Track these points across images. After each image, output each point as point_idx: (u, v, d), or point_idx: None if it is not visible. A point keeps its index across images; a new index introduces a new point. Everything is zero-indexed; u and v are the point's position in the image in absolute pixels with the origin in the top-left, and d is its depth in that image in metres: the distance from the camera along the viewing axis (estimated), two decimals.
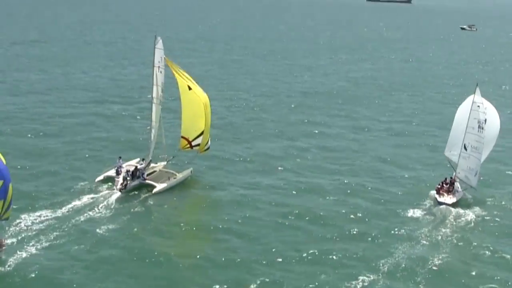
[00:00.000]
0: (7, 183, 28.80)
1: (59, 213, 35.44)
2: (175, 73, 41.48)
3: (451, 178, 41.32)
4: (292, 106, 67.50)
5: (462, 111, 41.10)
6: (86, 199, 37.69)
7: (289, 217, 37.13)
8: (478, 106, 38.92)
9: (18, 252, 30.51)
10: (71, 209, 36.02)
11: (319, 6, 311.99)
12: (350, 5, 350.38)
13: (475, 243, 34.75)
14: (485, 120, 39.13)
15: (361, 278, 29.95)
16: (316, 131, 56.99)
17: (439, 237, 35.17)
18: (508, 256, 33.38)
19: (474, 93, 39.30)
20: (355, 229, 35.60)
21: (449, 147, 42.55)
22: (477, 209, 39.64)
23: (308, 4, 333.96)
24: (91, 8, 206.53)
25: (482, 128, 39.17)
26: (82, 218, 34.94)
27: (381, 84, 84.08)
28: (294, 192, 41.29)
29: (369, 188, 42.55)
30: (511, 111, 68.00)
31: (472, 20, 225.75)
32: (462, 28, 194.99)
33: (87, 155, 46.65)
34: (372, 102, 71.69)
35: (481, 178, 41.77)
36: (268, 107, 66.35)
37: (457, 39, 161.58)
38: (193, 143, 42.27)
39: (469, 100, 40.82)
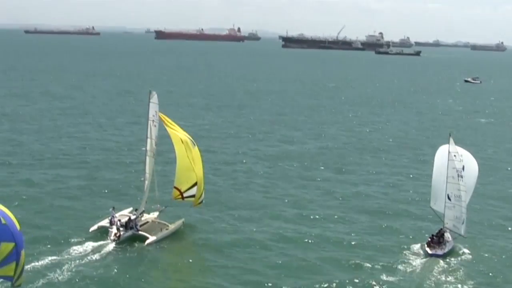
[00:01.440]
0: (19, 249, 26.00)
1: (50, 263, 36.25)
2: (168, 127, 42.90)
3: (440, 229, 41.68)
4: (285, 157, 68.12)
5: (439, 161, 41.90)
6: (79, 249, 38.66)
7: (278, 270, 37.51)
8: (454, 156, 39.79)
9: None
10: (64, 259, 36.89)
11: (329, 58, 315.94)
12: (360, 58, 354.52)
13: None
14: (463, 167, 39.98)
15: None
16: (307, 183, 57.53)
17: None
18: None
19: (449, 143, 40.12)
20: (340, 282, 35.78)
21: (434, 199, 43.14)
22: (468, 258, 39.92)
23: (310, 56, 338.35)
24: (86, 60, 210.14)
25: (461, 176, 39.87)
26: (74, 269, 35.74)
27: (376, 138, 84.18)
28: (285, 242, 41.82)
29: (356, 242, 42.43)
30: (484, 158, 66.99)
31: (478, 72, 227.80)
32: (466, 81, 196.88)
33: (80, 206, 47.72)
34: (366, 155, 71.60)
35: (467, 230, 41.73)
36: (263, 160, 66.73)
37: (459, 92, 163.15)
38: (184, 194, 43.37)
39: (442, 149, 41.84)
